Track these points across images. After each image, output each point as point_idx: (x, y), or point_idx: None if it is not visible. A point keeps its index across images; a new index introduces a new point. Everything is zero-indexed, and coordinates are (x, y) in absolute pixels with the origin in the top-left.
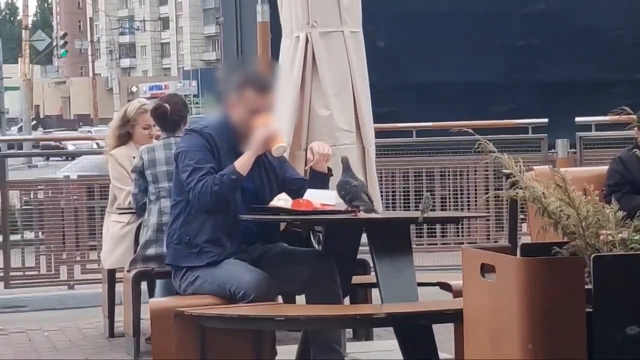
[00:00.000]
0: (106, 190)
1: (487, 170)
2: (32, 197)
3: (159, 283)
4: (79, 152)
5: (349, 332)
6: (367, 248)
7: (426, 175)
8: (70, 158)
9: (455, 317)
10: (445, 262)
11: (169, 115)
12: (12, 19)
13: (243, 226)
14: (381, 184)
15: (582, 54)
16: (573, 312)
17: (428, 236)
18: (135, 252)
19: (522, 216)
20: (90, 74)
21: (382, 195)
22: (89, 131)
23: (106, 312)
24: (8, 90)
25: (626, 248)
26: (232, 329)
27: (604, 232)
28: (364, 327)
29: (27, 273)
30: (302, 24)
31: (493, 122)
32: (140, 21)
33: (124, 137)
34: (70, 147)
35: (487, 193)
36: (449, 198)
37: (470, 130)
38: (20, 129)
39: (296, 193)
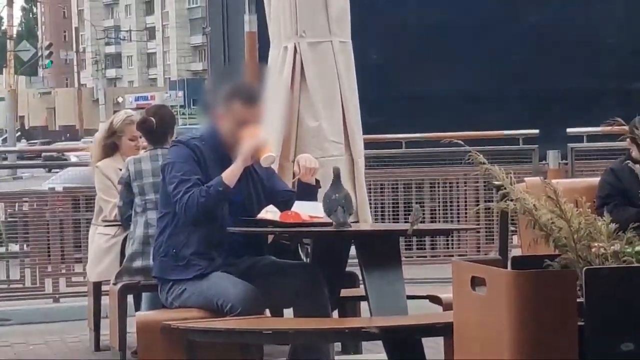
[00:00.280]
0: (92, 202)
1: (477, 182)
2: (16, 209)
3: (145, 296)
4: (64, 164)
5: (337, 345)
6: (356, 261)
7: (416, 187)
8: (52, 170)
9: (445, 330)
10: (435, 274)
11: (155, 128)
12: None
13: (231, 239)
14: (370, 196)
15: (574, 64)
16: (565, 326)
17: (417, 248)
18: (121, 264)
19: (512, 228)
20: (76, 85)
21: (371, 207)
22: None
23: (92, 325)
24: None
25: (619, 261)
26: (219, 342)
27: (596, 244)
28: (353, 341)
29: (12, 286)
30: (290, 34)
31: (483, 133)
32: (126, 31)
33: (110, 148)
34: (74, 158)
35: (477, 205)
36: (439, 210)
37: (460, 141)
38: (4, 141)
39: (284, 205)
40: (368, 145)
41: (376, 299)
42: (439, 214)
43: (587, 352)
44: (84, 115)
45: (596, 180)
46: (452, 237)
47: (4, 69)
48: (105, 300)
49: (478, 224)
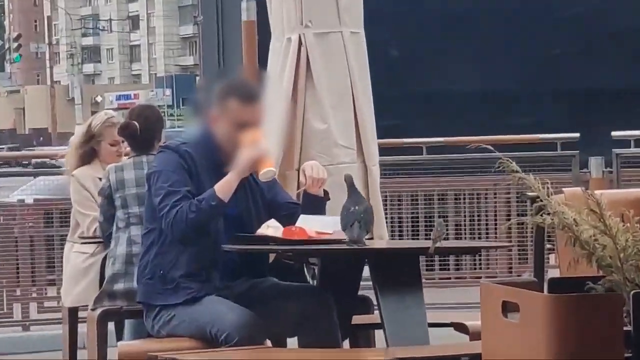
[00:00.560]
0: (67, 216)
1: (509, 193)
2: None
3: (128, 323)
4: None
5: None
6: (370, 283)
7: (438, 199)
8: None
9: None
10: (460, 299)
11: (140, 132)
12: None
13: (226, 258)
14: (386, 209)
15: (620, 60)
16: (610, 357)
17: (440, 269)
18: (100, 287)
19: (549, 246)
20: (48, 82)
21: (387, 222)
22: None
23: (67, 357)
24: None
25: None
26: None
27: None
28: None
29: None
30: (294, 24)
31: (515, 137)
32: (106, 20)
33: (88, 155)
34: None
35: (509, 219)
36: (465, 225)
37: (489, 146)
38: None
39: (288, 219)
40: (383, 150)
41: (393, 326)
42: (465, 229)
43: None
44: (58, 117)
45: None
46: (480, 256)
47: None
48: (82, 329)
49: (510, 241)
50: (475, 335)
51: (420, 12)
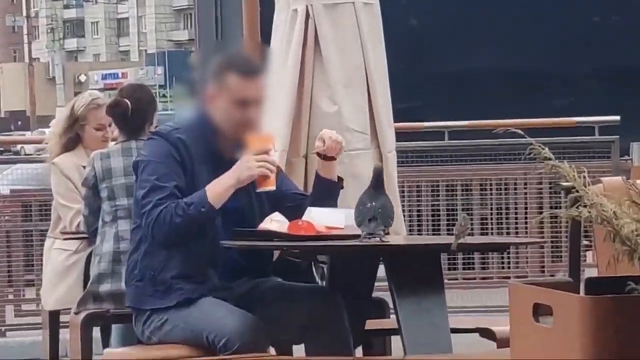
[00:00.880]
0: (47, 208)
1: (540, 183)
2: None
3: (115, 328)
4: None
5: None
6: (386, 284)
7: (462, 189)
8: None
9: None
10: (486, 301)
11: (130, 113)
12: None
13: (225, 256)
14: (404, 201)
15: None
16: None
17: (464, 268)
18: (84, 288)
19: (586, 242)
20: (26, 59)
21: (405, 215)
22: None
23: None
24: None
25: None
26: None
27: None
28: None
29: None
30: None
31: (548, 120)
32: None
33: (71, 140)
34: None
35: (540, 212)
36: (491, 219)
37: (518, 131)
38: None
39: (294, 212)
40: (400, 135)
41: (411, 332)
42: (492, 223)
43: None
44: (37, 98)
45: None
46: (509, 253)
47: None
48: (64, 334)
49: (542, 237)
50: (503, 342)
51: None
